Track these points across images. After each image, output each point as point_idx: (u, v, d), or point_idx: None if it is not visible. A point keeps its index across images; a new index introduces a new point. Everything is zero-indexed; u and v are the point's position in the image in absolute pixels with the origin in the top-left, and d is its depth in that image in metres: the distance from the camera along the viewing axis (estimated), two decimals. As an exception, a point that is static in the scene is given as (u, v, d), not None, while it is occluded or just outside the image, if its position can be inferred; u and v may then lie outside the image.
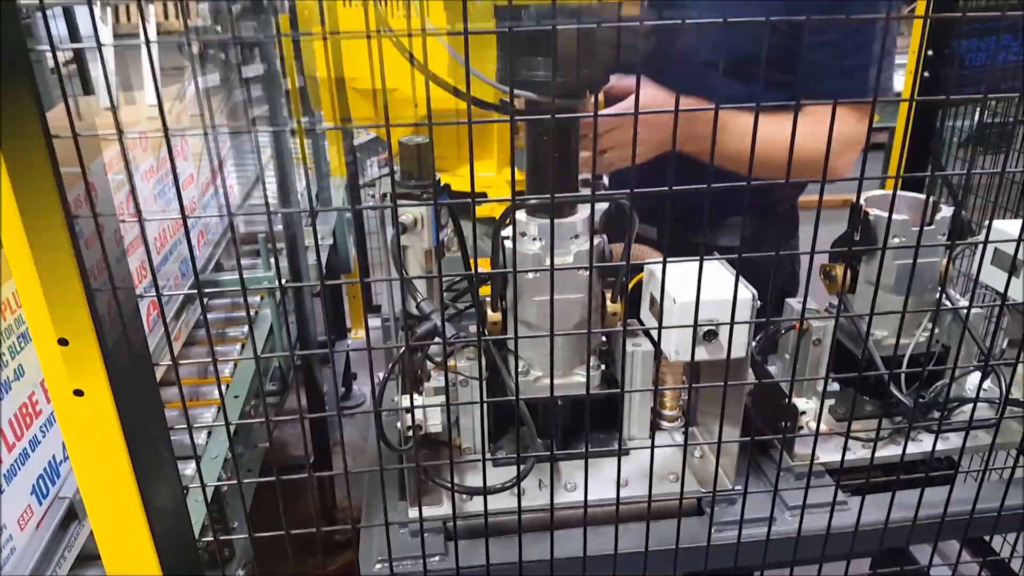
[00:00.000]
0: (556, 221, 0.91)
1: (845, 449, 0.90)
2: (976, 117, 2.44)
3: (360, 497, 1.05)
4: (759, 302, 0.87)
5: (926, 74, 2.26)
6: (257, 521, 0.82)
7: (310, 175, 2.83)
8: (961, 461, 1.13)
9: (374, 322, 3.31)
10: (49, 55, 0.58)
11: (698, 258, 0.75)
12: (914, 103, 2.25)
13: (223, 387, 1.62)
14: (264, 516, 0.87)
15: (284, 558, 0.85)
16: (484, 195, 2.04)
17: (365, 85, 1.99)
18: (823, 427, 1.03)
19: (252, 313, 2.03)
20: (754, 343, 1.11)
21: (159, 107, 0.58)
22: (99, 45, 0.59)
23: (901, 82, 2.34)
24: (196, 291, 0.72)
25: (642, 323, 1.00)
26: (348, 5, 1.90)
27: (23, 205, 0.62)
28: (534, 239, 0.95)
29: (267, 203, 0.66)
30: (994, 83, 2.56)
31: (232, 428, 0.78)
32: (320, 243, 2.18)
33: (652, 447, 0.83)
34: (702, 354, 0.88)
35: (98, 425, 0.71)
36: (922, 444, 1.09)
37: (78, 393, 0.70)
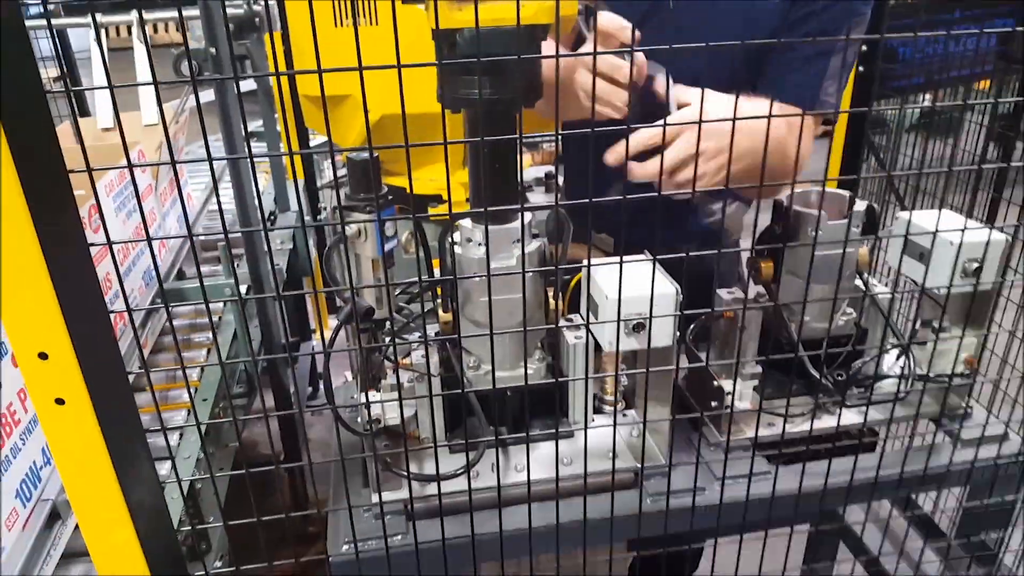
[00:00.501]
0: (499, 227, 1.01)
1: (758, 424, 1.00)
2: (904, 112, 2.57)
3: (327, 490, 1.13)
4: (682, 296, 0.96)
5: (860, 68, 2.38)
6: (232, 518, 0.88)
7: (270, 180, 2.87)
8: (864, 434, 1.22)
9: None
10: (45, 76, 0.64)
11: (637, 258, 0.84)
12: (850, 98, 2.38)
13: (192, 390, 1.69)
14: (239, 515, 0.93)
15: (259, 553, 0.92)
16: (439, 198, 2.12)
17: (316, 92, 2.06)
18: (749, 405, 1.13)
19: (217, 319, 2.08)
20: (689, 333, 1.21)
21: (167, 142, 0.65)
22: (111, 86, 0.67)
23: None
24: (162, 304, 0.79)
25: (583, 318, 1.09)
26: (341, 25, 1.98)
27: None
28: (479, 244, 1.03)
29: (224, 224, 0.73)
30: (928, 75, 2.70)
31: (203, 428, 0.85)
32: (280, 247, 2.23)
33: (586, 428, 0.92)
34: (633, 344, 0.96)
35: (80, 430, 0.77)
36: (842, 418, 1.17)
37: (59, 402, 0.76)
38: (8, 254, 0.70)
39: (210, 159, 0.68)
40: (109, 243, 0.74)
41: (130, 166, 0.71)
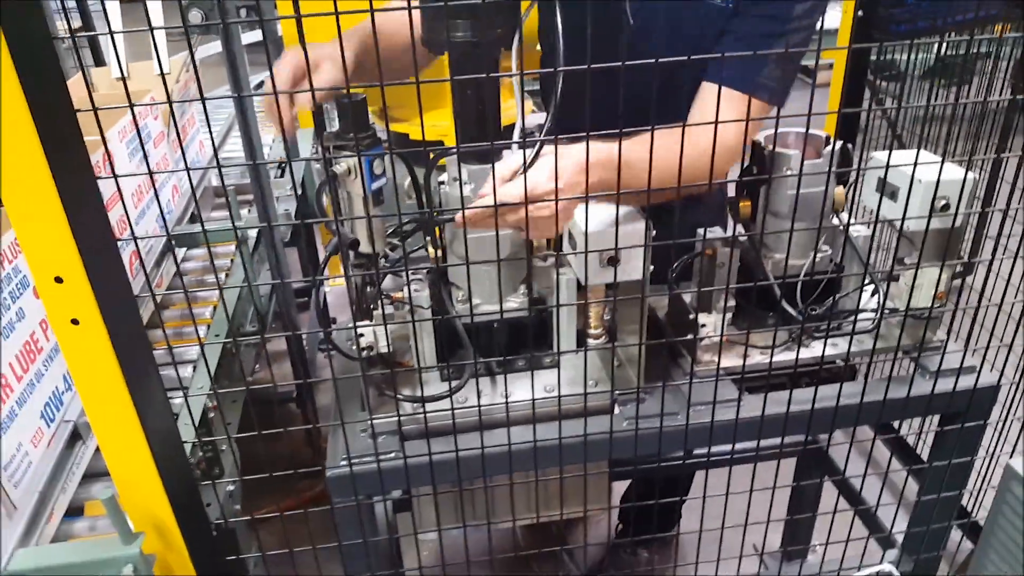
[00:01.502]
0: (483, 167, 1.06)
1: (720, 353, 1.06)
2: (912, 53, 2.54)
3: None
4: (654, 231, 1.02)
5: (860, 12, 2.37)
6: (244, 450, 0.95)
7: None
8: (835, 365, 1.28)
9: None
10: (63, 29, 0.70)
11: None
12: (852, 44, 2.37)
13: (204, 328, 1.78)
14: (249, 444, 1.01)
15: (269, 489, 0.99)
16: (441, 143, 2.17)
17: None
18: (724, 337, 1.19)
19: (230, 261, 2.16)
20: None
21: (166, 91, 0.71)
22: (111, 31, 0.74)
23: (837, 18, 2.46)
24: (165, 234, 0.87)
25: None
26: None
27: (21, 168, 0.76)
28: (465, 183, 1.08)
29: (220, 171, 0.80)
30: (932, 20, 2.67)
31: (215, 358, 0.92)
32: (287, 194, 2.29)
33: (558, 353, 0.99)
34: (607, 277, 1.02)
35: (94, 348, 0.85)
36: (812, 350, 1.24)
37: (75, 322, 0.84)
38: (27, 190, 0.77)
39: (203, 97, 0.74)
40: (115, 175, 0.81)
41: (131, 105, 0.77)
